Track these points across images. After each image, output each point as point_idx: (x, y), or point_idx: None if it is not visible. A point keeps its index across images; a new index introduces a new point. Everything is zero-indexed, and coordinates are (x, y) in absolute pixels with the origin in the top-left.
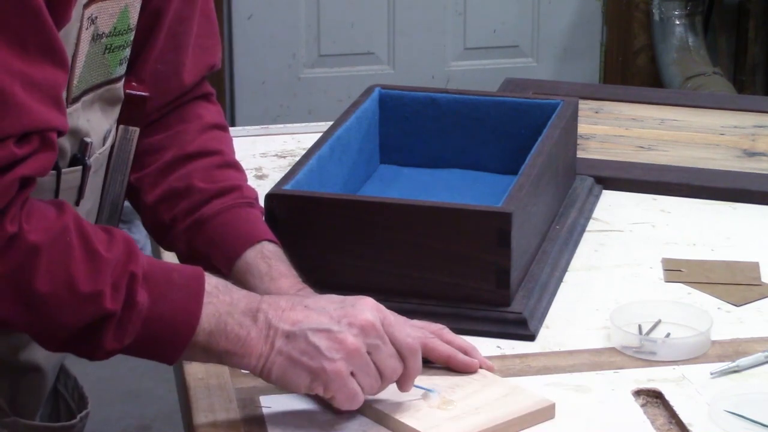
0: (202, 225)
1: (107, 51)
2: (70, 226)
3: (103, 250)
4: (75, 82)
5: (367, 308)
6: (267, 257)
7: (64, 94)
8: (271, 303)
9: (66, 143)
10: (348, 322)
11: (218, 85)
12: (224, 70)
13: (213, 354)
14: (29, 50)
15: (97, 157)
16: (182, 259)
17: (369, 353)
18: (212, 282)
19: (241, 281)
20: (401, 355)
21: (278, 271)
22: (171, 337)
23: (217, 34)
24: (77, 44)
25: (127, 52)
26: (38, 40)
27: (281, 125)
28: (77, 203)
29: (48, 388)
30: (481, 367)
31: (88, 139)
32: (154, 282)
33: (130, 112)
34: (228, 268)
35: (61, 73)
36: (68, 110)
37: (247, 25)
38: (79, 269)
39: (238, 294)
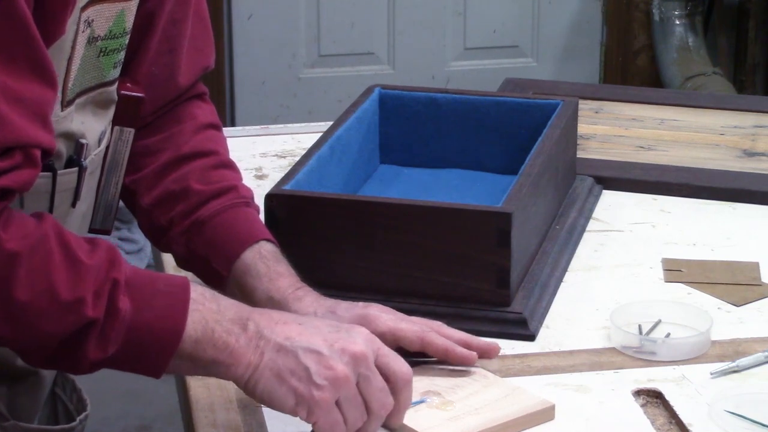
0: (199, 227)
1: (102, 54)
2: (49, 234)
3: (84, 257)
4: (70, 85)
5: (361, 337)
6: (265, 257)
7: (56, 110)
8: (263, 314)
9: (61, 145)
10: (340, 348)
11: (218, 85)
12: (224, 70)
13: (200, 363)
14: (17, 66)
15: (93, 158)
16: (179, 261)
17: (357, 383)
18: (198, 290)
19: (240, 283)
20: (394, 387)
21: (276, 272)
22: (156, 346)
23: (211, 34)
24: (73, 47)
25: (122, 55)
26: (27, 56)
27: (281, 125)
28: (73, 205)
29: (46, 391)
30: (484, 357)
31: (83, 141)
32: (137, 289)
33: (125, 113)
34: (227, 270)
35: (49, 92)
36: (62, 113)
37: (247, 25)
38: (60, 277)
39: (226, 302)
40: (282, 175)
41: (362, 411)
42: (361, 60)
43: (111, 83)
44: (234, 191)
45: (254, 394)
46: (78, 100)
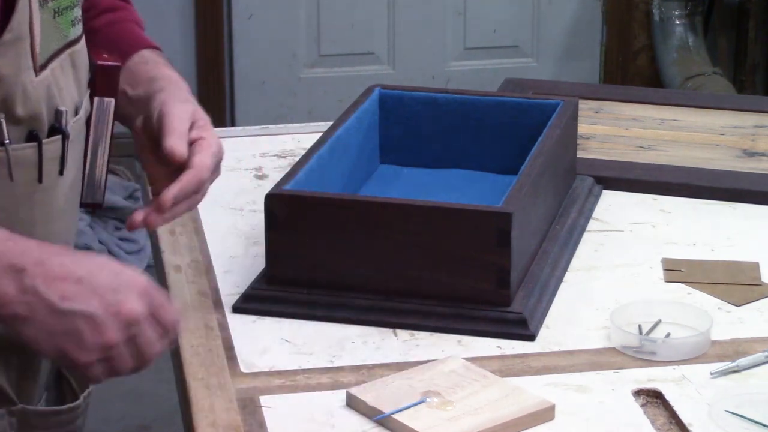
0: (92, 35)
1: (56, 15)
2: None
3: None
4: (38, 49)
5: (135, 294)
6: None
7: (30, 76)
8: (44, 266)
9: (43, 113)
10: (115, 311)
11: (218, 85)
12: (224, 70)
13: None
14: None
15: (72, 125)
16: None
17: (129, 338)
18: None
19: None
20: (165, 332)
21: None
22: None
23: None
24: (31, 12)
25: (77, 12)
26: None
27: (281, 125)
28: (61, 173)
29: (47, 370)
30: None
31: (62, 108)
32: None
33: (104, 83)
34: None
35: None
36: (38, 78)
37: (247, 25)
38: None
39: (3, 246)
40: (282, 175)
41: (130, 361)
42: (361, 60)
43: (76, 41)
44: (131, 13)
45: (18, 337)
46: (52, 65)
